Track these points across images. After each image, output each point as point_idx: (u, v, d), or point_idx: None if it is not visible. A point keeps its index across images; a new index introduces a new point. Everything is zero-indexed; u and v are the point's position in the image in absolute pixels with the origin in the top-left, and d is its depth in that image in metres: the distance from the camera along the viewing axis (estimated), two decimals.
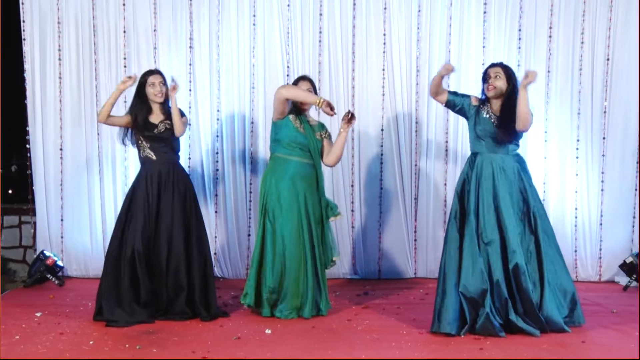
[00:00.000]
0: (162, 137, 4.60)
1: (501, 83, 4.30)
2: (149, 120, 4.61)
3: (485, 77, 4.37)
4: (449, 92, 4.47)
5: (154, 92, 4.60)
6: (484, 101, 4.40)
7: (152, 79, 4.61)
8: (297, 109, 4.70)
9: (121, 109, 5.20)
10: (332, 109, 4.50)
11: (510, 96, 4.29)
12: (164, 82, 4.63)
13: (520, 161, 4.41)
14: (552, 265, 4.30)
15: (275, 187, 4.60)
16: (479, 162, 4.33)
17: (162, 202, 4.57)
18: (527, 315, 4.17)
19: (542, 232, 4.30)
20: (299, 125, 4.64)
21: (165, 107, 4.65)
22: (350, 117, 4.55)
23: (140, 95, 4.63)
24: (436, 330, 4.17)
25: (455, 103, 4.43)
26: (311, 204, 4.62)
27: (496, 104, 4.35)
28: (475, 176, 4.31)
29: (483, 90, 4.40)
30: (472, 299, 4.13)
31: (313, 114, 4.94)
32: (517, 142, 4.40)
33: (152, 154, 4.63)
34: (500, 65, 4.37)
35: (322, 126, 4.81)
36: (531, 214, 4.30)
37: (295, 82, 4.82)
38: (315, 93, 4.77)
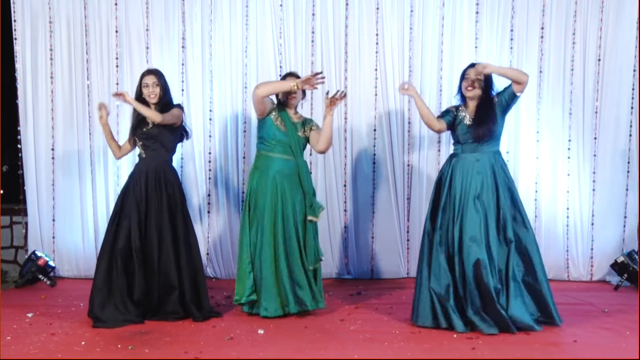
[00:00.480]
0: (151, 134, 4.61)
1: (479, 84, 4.39)
2: (144, 120, 4.63)
3: (465, 77, 4.44)
4: (440, 117, 4.55)
5: (147, 92, 4.60)
6: (459, 106, 4.51)
7: (145, 80, 4.62)
8: (283, 105, 4.70)
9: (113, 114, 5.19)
10: (312, 83, 4.45)
11: (485, 98, 4.40)
12: (158, 83, 4.62)
13: (498, 163, 4.43)
14: (520, 267, 4.32)
15: (257, 185, 4.63)
16: (455, 162, 4.44)
17: (151, 201, 4.56)
18: (486, 311, 4.20)
19: (513, 235, 4.30)
20: (280, 123, 4.64)
21: (159, 106, 4.63)
22: (331, 99, 4.52)
23: (138, 96, 4.65)
24: (414, 322, 4.35)
25: (450, 121, 4.49)
26: (293, 203, 4.61)
27: (472, 105, 4.45)
28: (449, 175, 4.41)
29: (460, 89, 4.48)
30: (440, 294, 4.26)
31: (306, 110, 4.92)
32: (496, 141, 4.44)
33: (143, 152, 4.65)
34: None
35: (307, 122, 4.78)
36: (501, 217, 4.32)
37: (284, 79, 4.80)
38: (303, 91, 4.75)
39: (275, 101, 4.76)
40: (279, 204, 4.58)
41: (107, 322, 4.36)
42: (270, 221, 4.57)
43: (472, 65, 4.45)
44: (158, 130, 4.60)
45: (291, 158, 4.65)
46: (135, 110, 4.66)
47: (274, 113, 4.66)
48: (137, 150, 4.72)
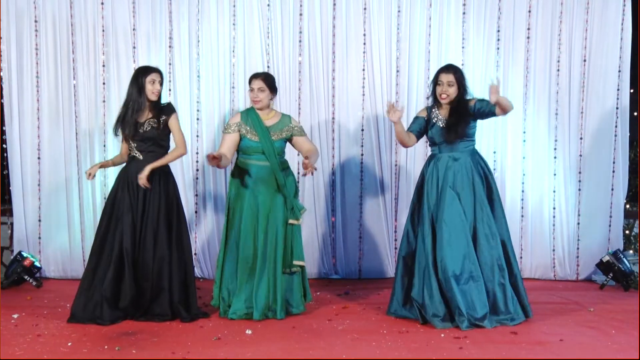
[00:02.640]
0: (148, 136, 4.56)
1: (453, 90, 4.41)
2: (139, 121, 4.57)
3: (437, 82, 4.45)
4: (410, 131, 4.59)
5: (152, 89, 4.55)
6: (432, 106, 4.53)
7: (153, 76, 4.55)
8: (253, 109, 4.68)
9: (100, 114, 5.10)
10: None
11: (459, 101, 4.43)
12: (161, 82, 4.60)
13: (476, 159, 4.51)
14: (483, 264, 4.40)
15: (235, 190, 4.64)
16: (435, 162, 4.50)
17: (148, 202, 4.54)
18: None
19: (489, 229, 4.41)
20: (251, 133, 4.60)
21: (155, 105, 4.60)
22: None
23: (139, 89, 4.55)
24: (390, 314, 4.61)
25: (420, 130, 4.58)
26: (270, 207, 4.57)
27: (445, 108, 4.49)
28: (433, 175, 4.47)
29: (434, 92, 4.50)
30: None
31: (294, 109, 4.87)
32: (471, 140, 4.51)
33: (140, 153, 4.59)
34: (453, 71, 4.45)
35: (284, 122, 4.69)
36: (476, 213, 4.42)
37: (249, 82, 4.69)
38: (271, 86, 4.64)
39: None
40: (255, 209, 4.56)
41: (81, 319, 4.41)
42: (246, 226, 4.56)
43: (445, 71, 4.44)
44: (156, 133, 4.56)
45: (267, 163, 4.61)
46: (133, 105, 4.55)
47: (242, 127, 4.64)
48: (131, 151, 4.62)
